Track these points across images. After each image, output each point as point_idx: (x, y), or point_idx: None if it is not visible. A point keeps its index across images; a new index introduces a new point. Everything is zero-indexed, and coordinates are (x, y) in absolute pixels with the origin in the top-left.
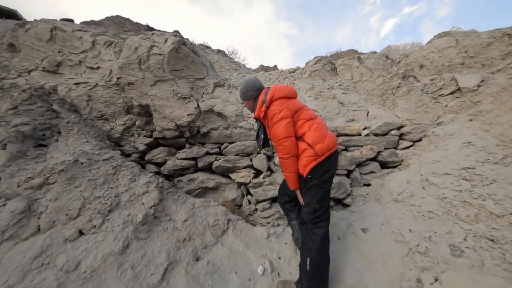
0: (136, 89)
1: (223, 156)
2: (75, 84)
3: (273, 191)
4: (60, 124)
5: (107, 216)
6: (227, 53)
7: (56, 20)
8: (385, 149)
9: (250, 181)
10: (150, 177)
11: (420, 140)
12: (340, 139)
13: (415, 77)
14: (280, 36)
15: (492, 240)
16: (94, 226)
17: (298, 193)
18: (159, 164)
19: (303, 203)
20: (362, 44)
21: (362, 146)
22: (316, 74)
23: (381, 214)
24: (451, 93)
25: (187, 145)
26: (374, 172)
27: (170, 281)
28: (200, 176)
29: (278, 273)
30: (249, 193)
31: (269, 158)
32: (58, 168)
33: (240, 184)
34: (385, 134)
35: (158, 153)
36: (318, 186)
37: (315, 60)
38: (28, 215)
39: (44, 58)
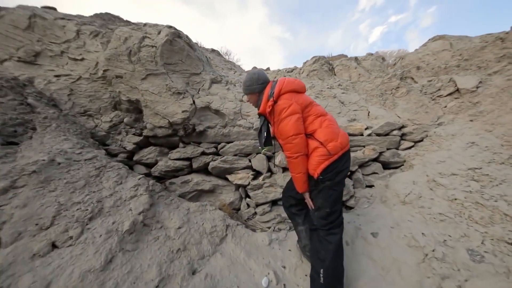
0: (125, 83)
1: (220, 157)
2: (56, 76)
3: (274, 194)
4: (35, 120)
5: (87, 225)
6: (221, 53)
7: (36, 7)
8: (387, 149)
9: (249, 183)
10: (139, 179)
11: (421, 140)
12: None
13: (412, 79)
14: (273, 39)
15: (511, 244)
16: (71, 238)
17: (306, 196)
18: (149, 165)
19: (313, 207)
20: (352, 50)
21: (364, 146)
22: (314, 74)
23: (390, 217)
24: (450, 94)
25: (181, 145)
26: (376, 173)
27: None
28: (195, 178)
29: (284, 285)
30: (247, 195)
31: (269, 158)
32: (29, 169)
33: (238, 186)
34: (387, 134)
35: (148, 153)
36: (330, 188)
37: (313, 60)
38: None
39: (20, 47)
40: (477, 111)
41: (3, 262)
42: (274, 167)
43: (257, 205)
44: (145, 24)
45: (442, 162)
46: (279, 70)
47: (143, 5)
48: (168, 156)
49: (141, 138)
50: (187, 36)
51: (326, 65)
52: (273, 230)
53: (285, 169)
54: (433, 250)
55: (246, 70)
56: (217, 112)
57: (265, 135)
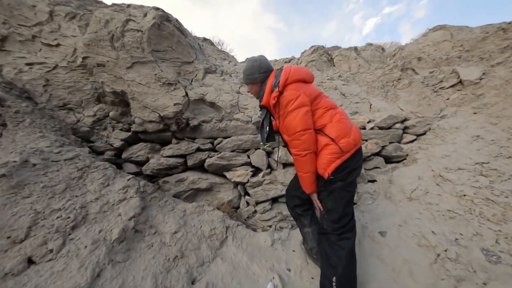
0: (109, 72)
1: (217, 153)
2: (28, 64)
3: (274, 191)
4: (5, 115)
5: (69, 235)
6: (213, 42)
7: None
8: (390, 143)
9: (248, 180)
10: (128, 179)
11: (424, 133)
12: None
13: (413, 70)
14: (267, 30)
15: None
16: (51, 251)
17: (314, 197)
18: (140, 163)
19: (321, 209)
20: (346, 41)
21: (366, 140)
22: (313, 64)
23: (397, 214)
24: (452, 86)
25: (174, 140)
26: (378, 167)
27: None
28: (191, 176)
29: None
30: (247, 193)
31: (269, 154)
32: None
33: (236, 184)
34: (389, 128)
35: (138, 150)
36: (343, 189)
37: (311, 50)
38: None
39: None
40: (481, 103)
41: None
42: (275, 163)
43: (257, 203)
44: (128, 5)
45: (447, 157)
46: (276, 60)
47: None
48: (161, 153)
49: (129, 133)
50: (176, 20)
51: (325, 55)
52: (275, 229)
53: (285, 165)
54: (446, 250)
55: (240, 61)
56: (212, 105)
57: (267, 129)
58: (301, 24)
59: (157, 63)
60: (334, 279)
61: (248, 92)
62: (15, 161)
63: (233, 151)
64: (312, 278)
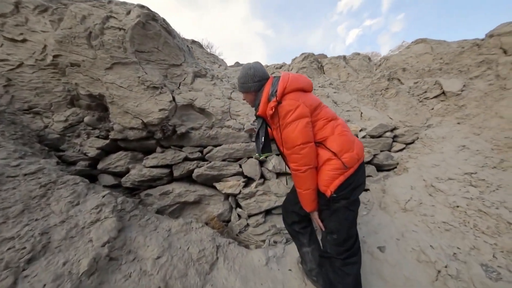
0: (84, 73)
1: (206, 162)
2: None
3: (268, 202)
4: None
5: (23, 271)
6: (202, 45)
7: None
8: (381, 151)
9: (240, 191)
10: (103, 196)
11: (412, 142)
12: None
13: (399, 80)
14: (256, 35)
15: None
16: None
17: (315, 216)
18: (118, 174)
19: (323, 229)
20: (331, 50)
21: None
22: (304, 71)
23: (392, 226)
24: (436, 96)
25: (159, 149)
26: (370, 176)
27: None
28: (177, 188)
29: None
30: (238, 205)
31: (261, 163)
32: None
33: (227, 196)
34: (380, 136)
35: (117, 160)
36: (346, 208)
37: (302, 57)
38: None
39: None
40: (463, 114)
41: None
42: (268, 172)
43: (250, 216)
44: (110, 1)
45: (437, 166)
46: (267, 66)
47: None
48: (143, 163)
49: (107, 141)
50: (164, 20)
51: (315, 63)
52: (269, 244)
53: (279, 175)
54: (446, 266)
55: (229, 65)
56: (202, 111)
57: (263, 140)
58: (288, 31)
59: (141, 65)
60: None
61: (244, 100)
62: None
63: (224, 160)
64: None
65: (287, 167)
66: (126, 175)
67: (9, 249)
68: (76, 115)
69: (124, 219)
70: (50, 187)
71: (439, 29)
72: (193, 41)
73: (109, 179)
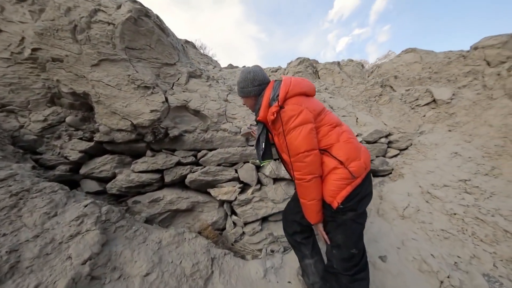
0: (67, 69)
1: (200, 167)
2: None
3: (265, 209)
4: None
5: None
6: (196, 45)
7: None
8: (376, 157)
9: (236, 197)
10: (86, 206)
11: (406, 148)
12: None
13: (391, 87)
14: (249, 38)
15: None
16: None
17: (320, 228)
18: (104, 180)
19: (328, 243)
20: (322, 56)
21: None
22: (299, 75)
23: (393, 234)
24: (427, 104)
25: (149, 153)
26: None
27: None
28: (168, 194)
29: None
30: (234, 212)
31: (258, 168)
32: None
33: (222, 202)
34: (375, 142)
35: (102, 164)
36: (354, 221)
37: (298, 61)
38: None
39: None
40: (454, 121)
41: None
42: (265, 178)
43: (246, 223)
44: None
45: (431, 173)
46: (263, 69)
47: None
48: (131, 167)
49: (91, 144)
50: (157, 17)
51: (310, 68)
52: (266, 254)
53: (276, 180)
54: (448, 277)
55: (222, 66)
56: (196, 113)
57: (263, 146)
58: (281, 36)
59: (131, 62)
60: None
61: (244, 104)
62: None
63: (219, 165)
64: None
65: (286, 173)
66: (112, 181)
67: None
68: (56, 114)
69: (109, 231)
70: (23, 196)
71: (421, 40)
72: (187, 41)
73: (92, 185)
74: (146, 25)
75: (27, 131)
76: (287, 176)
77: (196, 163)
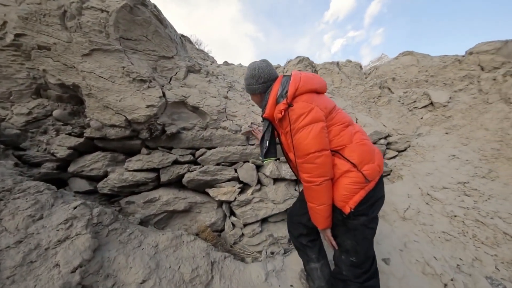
0: (55, 58)
1: (198, 166)
2: None
3: (265, 210)
4: None
5: None
6: (191, 41)
7: None
8: None
9: (235, 198)
10: (75, 208)
11: (404, 150)
12: None
13: (389, 89)
14: (245, 36)
15: None
16: None
17: (328, 233)
18: (94, 179)
19: (336, 248)
20: (317, 57)
21: None
22: None
23: (394, 236)
24: (425, 106)
25: (144, 150)
26: None
27: None
28: (164, 194)
29: None
30: (233, 213)
31: (258, 167)
32: None
33: (221, 203)
34: (375, 143)
35: (93, 162)
36: (365, 226)
37: (297, 60)
38: None
39: None
40: (450, 124)
41: None
42: (265, 178)
43: (245, 224)
44: None
45: (430, 174)
46: None
47: None
48: (125, 165)
49: (81, 140)
50: (155, 6)
51: (309, 67)
52: (266, 256)
53: (276, 180)
54: (452, 279)
55: (219, 63)
56: (195, 109)
57: (267, 144)
58: (278, 36)
59: (126, 54)
60: None
61: (250, 100)
62: None
63: (218, 164)
64: None
65: (287, 173)
66: (104, 180)
67: None
68: (42, 107)
69: (101, 235)
70: (3, 197)
71: (413, 44)
72: (182, 36)
73: (82, 184)
74: (142, 14)
75: (9, 124)
76: (288, 176)
77: (194, 162)
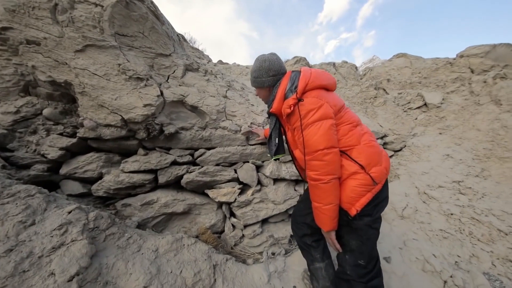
0: (46, 53)
1: (197, 167)
2: None
3: (265, 211)
4: None
5: None
6: (186, 39)
7: None
8: None
9: (235, 199)
10: (70, 212)
11: (400, 150)
12: None
13: (384, 90)
14: (240, 35)
15: None
16: None
17: (332, 236)
18: (88, 181)
19: (340, 251)
20: (311, 58)
21: None
22: None
23: (393, 235)
24: (419, 107)
25: (141, 151)
26: None
27: None
28: (163, 197)
29: None
30: (233, 214)
31: (258, 168)
32: None
33: (221, 204)
34: None
35: (87, 163)
36: (369, 226)
37: (294, 60)
38: None
39: None
40: (444, 125)
41: None
42: (265, 178)
43: (246, 226)
44: None
45: (426, 174)
46: None
47: None
48: (121, 167)
49: (73, 140)
50: (152, 2)
51: (306, 67)
52: (268, 257)
53: (276, 181)
54: (451, 276)
55: (214, 62)
56: (194, 109)
57: (276, 141)
58: (272, 35)
59: (122, 50)
60: None
61: (257, 95)
62: None
63: (217, 164)
64: None
65: (287, 173)
66: (99, 182)
67: None
68: (32, 105)
69: (98, 240)
70: None
71: (404, 46)
72: (177, 34)
73: (75, 187)
74: (139, 10)
75: None
76: (288, 176)
77: (193, 163)
